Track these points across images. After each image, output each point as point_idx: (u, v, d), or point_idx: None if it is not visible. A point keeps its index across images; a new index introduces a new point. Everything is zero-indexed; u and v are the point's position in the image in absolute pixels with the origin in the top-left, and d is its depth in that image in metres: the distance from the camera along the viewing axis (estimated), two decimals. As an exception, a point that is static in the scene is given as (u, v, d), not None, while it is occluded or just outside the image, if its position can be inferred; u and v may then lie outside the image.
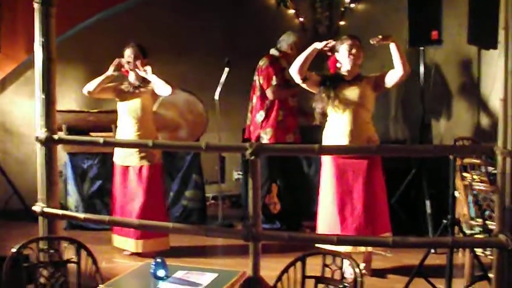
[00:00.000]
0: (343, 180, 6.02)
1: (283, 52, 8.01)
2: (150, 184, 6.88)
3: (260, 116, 7.88)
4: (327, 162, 6.12)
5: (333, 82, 6.11)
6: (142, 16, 9.74)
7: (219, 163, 8.73)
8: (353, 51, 6.06)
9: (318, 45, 5.97)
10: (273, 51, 8.09)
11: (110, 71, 6.76)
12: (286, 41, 8.11)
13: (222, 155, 8.89)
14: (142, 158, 6.80)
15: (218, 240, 7.73)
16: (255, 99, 8.00)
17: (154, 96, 7.01)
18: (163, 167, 7.19)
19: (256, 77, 8.01)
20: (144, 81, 6.92)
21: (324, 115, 6.19)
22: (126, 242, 7.02)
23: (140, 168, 6.84)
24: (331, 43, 6.02)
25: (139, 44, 6.91)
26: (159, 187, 7.02)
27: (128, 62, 6.80)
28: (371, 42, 5.74)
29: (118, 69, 6.80)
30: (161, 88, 6.75)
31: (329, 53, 6.16)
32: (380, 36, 5.75)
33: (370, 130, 6.15)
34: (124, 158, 6.88)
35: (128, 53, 6.81)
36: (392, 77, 5.96)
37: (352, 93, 6.06)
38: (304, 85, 6.15)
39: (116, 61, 6.78)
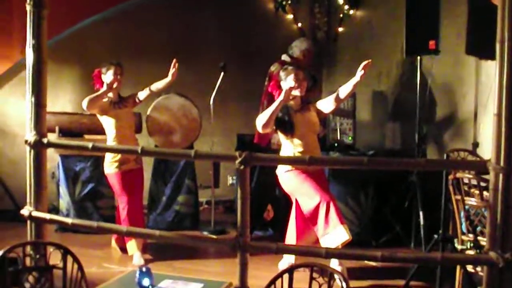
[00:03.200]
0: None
1: (295, 59, 7.98)
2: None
3: None
4: (291, 176, 6.34)
5: (284, 120, 6.31)
6: (138, 19, 9.69)
7: (213, 168, 8.67)
8: (299, 81, 6.27)
9: (282, 97, 6.06)
10: (284, 57, 8.08)
11: (106, 88, 6.79)
12: (299, 47, 8.10)
13: (216, 161, 8.84)
14: None
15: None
16: (266, 104, 7.95)
17: (132, 113, 7.30)
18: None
19: (267, 83, 7.96)
20: (122, 99, 7.12)
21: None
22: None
23: None
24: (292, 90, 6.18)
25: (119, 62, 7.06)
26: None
27: (115, 81, 6.91)
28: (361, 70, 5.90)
29: (111, 88, 6.85)
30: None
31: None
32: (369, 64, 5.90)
33: (319, 151, 6.54)
34: None
35: (118, 72, 6.93)
36: (327, 108, 6.36)
37: (304, 121, 6.34)
38: (264, 131, 6.34)
39: (110, 81, 6.85)
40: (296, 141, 6.26)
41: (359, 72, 5.85)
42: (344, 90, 6.05)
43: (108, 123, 6.96)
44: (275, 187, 7.74)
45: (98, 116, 6.97)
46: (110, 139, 6.95)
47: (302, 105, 6.38)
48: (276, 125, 6.21)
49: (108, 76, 6.86)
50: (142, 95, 7.07)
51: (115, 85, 6.86)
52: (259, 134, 7.85)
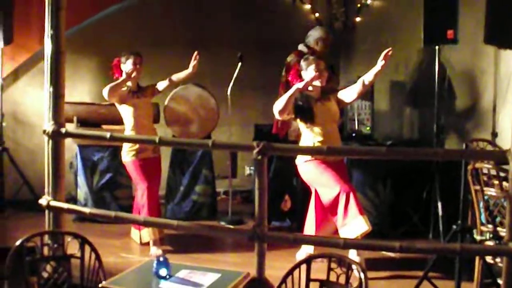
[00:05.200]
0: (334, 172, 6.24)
1: (311, 48, 7.95)
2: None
3: None
4: (310, 166, 6.31)
5: (304, 108, 6.27)
6: (156, 9, 9.71)
7: (230, 158, 8.67)
8: (320, 71, 6.27)
9: (300, 85, 6.06)
10: (301, 47, 8.04)
11: (125, 77, 6.80)
12: (313, 36, 8.06)
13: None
14: None
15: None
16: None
17: (151, 103, 7.28)
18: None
19: (284, 73, 7.95)
20: (140, 89, 7.12)
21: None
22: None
23: None
24: (314, 80, 6.18)
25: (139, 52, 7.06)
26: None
27: (134, 70, 6.91)
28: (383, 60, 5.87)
29: (129, 77, 6.85)
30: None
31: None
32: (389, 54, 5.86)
33: (340, 140, 6.54)
34: None
35: (137, 61, 6.94)
36: (349, 97, 6.33)
37: (324, 110, 6.31)
38: (283, 118, 6.33)
39: (130, 70, 6.84)
40: (316, 130, 6.23)
41: (380, 62, 5.83)
42: (365, 80, 6.03)
43: (126, 112, 6.96)
44: (292, 177, 7.74)
45: (117, 105, 6.97)
46: (128, 128, 6.95)
47: (322, 94, 6.36)
48: (295, 112, 6.20)
49: (127, 65, 6.87)
50: (161, 85, 7.09)
51: (133, 74, 6.85)
52: (277, 124, 7.84)
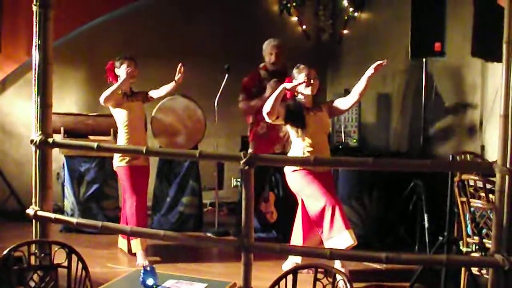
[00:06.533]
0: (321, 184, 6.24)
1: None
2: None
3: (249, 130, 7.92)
4: (298, 176, 6.30)
5: (296, 114, 6.27)
6: (143, 20, 9.70)
7: (217, 169, 8.66)
8: (311, 80, 6.28)
9: (287, 85, 6.06)
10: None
11: (126, 77, 6.83)
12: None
13: (220, 162, 8.82)
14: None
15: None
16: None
17: (143, 107, 7.27)
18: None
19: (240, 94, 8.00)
20: (133, 93, 7.13)
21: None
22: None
23: None
24: (301, 84, 6.20)
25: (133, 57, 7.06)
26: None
27: (134, 71, 6.94)
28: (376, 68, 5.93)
29: (131, 77, 6.90)
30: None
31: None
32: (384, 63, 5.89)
33: (329, 152, 6.53)
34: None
35: (132, 66, 6.93)
36: (345, 104, 6.37)
37: (316, 120, 6.31)
38: (274, 122, 6.27)
39: (128, 75, 6.83)
40: (307, 140, 6.23)
41: (370, 70, 5.88)
42: (359, 87, 6.07)
43: (120, 115, 6.97)
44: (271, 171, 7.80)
45: (111, 108, 6.96)
46: (122, 131, 6.97)
47: (313, 104, 6.38)
48: (286, 117, 6.20)
49: (121, 70, 6.88)
50: (154, 94, 7.11)
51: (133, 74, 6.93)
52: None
